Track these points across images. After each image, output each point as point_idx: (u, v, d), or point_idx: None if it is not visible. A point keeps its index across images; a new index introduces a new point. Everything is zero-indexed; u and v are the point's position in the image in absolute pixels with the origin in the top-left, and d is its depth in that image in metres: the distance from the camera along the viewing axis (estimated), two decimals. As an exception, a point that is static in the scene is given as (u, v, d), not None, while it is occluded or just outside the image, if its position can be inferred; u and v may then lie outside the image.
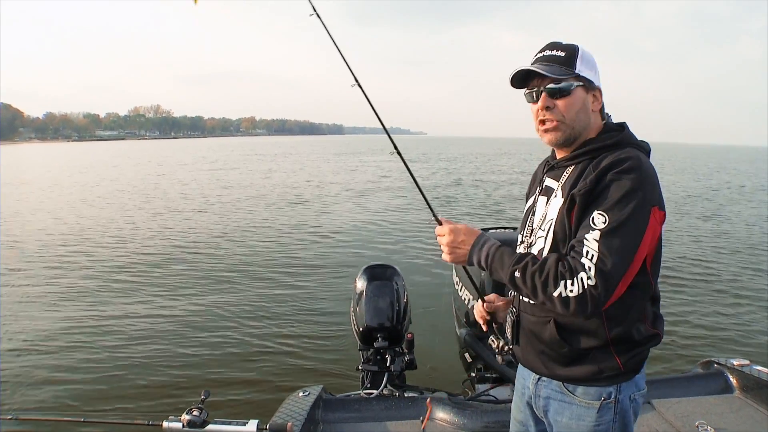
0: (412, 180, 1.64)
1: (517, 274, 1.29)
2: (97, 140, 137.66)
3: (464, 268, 1.56)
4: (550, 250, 1.35)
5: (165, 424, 1.69)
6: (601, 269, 1.19)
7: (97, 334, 5.64)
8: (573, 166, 1.39)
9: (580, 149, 1.38)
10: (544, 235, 1.38)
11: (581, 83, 1.36)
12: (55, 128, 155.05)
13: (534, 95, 1.39)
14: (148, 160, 40.88)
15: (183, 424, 1.67)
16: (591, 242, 1.22)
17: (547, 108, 1.36)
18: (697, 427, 2.35)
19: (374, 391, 2.78)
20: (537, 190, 1.51)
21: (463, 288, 3.25)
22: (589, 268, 1.20)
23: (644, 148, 1.38)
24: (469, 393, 2.97)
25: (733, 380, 2.69)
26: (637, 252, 1.24)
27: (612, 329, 1.32)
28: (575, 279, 1.21)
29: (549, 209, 1.40)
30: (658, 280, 1.39)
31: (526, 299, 1.44)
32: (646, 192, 1.25)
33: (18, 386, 4.47)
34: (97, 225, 12.44)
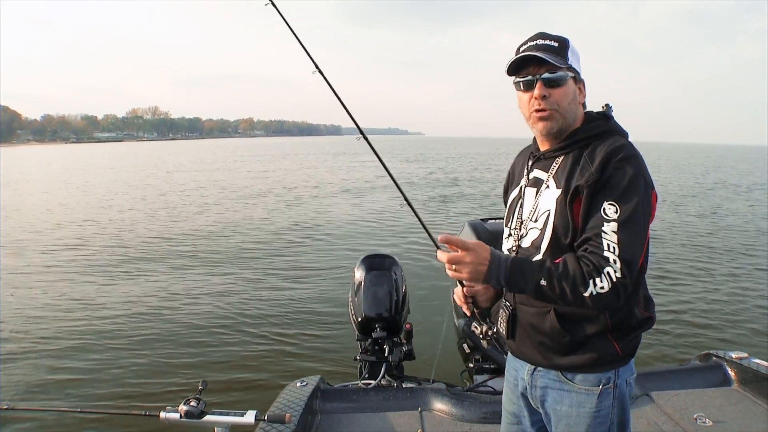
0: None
1: (543, 282, 1.24)
2: (95, 142, 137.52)
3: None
4: (550, 242, 1.34)
5: (162, 414, 1.67)
6: (625, 259, 1.21)
7: (94, 325, 5.65)
8: (562, 157, 1.38)
9: (568, 140, 1.38)
10: (540, 227, 1.37)
11: (572, 74, 1.37)
12: (53, 130, 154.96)
13: (529, 83, 1.37)
14: (150, 162, 40.83)
15: (180, 415, 1.65)
16: (610, 234, 1.22)
17: (543, 97, 1.35)
18: (696, 419, 2.35)
19: (372, 382, 2.78)
20: (523, 182, 1.49)
21: None
22: (614, 261, 1.21)
23: (627, 136, 1.40)
24: (468, 384, 2.98)
25: (731, 373, 2.70)
26: (647, 235, 1.28)
27: (613, 316, 1.32)
28: (602, 275, 1.20)
29: (541, 201, 1.39)
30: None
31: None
32: (646, 177, 1.29)
33: (14, 376, 4.46)
34: (94, 221, 12.48)
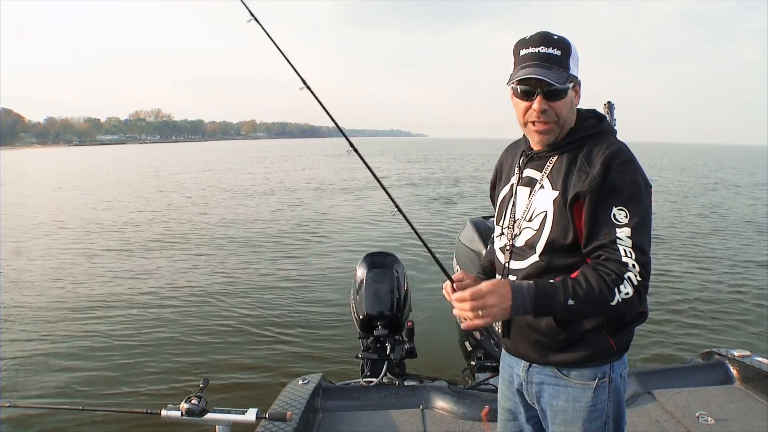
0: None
1: (570, 302, 1.22)
2: (98, 144, 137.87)
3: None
4: (547, 243, 1.34)
5: (163, 412, 1.67)
6: (642, 262, 1.24)
7: (96, 323, 5.67)
8: (556, 156, 1.38)
9: (563, 140, 1.38)
10: (535, 228, 1.37)
11: (572, 83, 1.34)
12: (56, 133, 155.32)
13: (528, 93, 1.33)
14: (153, 164, 40.93)
15: (182, 413, 1.66)
16: (624, 240, 1.24)
17: (543, 111, 1.32)
18: (698, 417, 2.35)
19: (374, 380, 2.78)
20: (514, 180, 1.48)
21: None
22: (633, 265, 1.23)
23: (615, 135, 1.41)
24: (469, 382, 2.97)
25: (733, 371, 2.70)
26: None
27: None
28: (624, 281, 1.22)
29: (535, 201, 1.39)
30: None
31: None
32: (644, 177, 1.32)
33: (16, 374, 4.48)
34: (98, 221, 12.53)
